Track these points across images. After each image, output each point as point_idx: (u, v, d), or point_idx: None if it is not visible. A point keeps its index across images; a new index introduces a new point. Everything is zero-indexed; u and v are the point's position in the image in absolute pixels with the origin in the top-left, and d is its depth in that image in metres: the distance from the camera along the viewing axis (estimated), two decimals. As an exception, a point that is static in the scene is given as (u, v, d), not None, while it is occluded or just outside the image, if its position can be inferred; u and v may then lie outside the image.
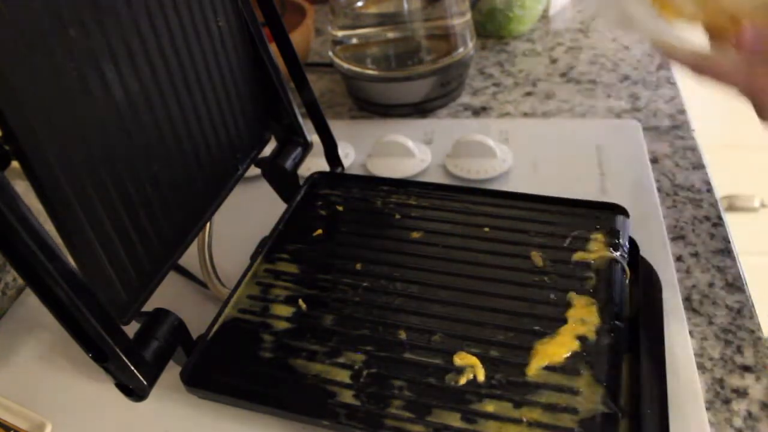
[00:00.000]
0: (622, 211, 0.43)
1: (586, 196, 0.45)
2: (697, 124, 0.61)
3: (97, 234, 0.32)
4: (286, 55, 0.46)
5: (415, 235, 0.43)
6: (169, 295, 0.38)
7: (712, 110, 1.01)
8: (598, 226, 0.42)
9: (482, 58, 0.75)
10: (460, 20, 0.64)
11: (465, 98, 0.68)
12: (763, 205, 1.02)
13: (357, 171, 0.58)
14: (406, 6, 0.63)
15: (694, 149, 0.57)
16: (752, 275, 0.47)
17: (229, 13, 0.41)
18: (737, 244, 0.48)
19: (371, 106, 0.67)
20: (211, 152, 0.41)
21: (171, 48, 0.36)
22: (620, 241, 0.41)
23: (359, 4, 0.66)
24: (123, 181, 0.33)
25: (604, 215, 0.43)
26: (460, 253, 0.41)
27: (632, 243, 0.42)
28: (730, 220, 0.50)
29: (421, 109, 0.66)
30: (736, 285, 0.44)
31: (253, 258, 0.43)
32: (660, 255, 0.46)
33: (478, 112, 0.66)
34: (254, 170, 0.48)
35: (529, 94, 0.68)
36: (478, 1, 0.76)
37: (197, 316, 0.40)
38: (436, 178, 0.56)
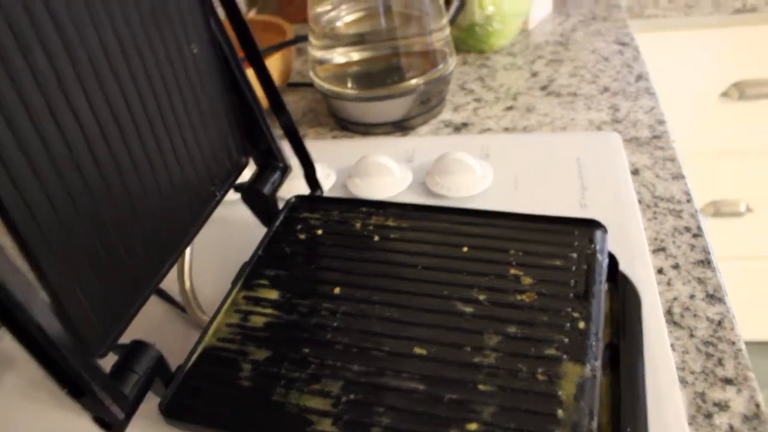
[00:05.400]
0: (600, 227, 0.43)
1: (567, 210, 0.45)
2: (679, 132, 0.61)
3: (70, 265, 0.31)
4: (262, 79, 0.46)
5: (394, 257, 0.43)
6: (148, 321, 0.38)
7: (692, 118, 1.02)
8: (576, 243, 0.42)
9: (463, 74, 0.76)
10: (439, 36, 0.65)
11: (446, 114, 0.68)
12: (748, 210, 1.03)
13: (339, 191, 0.58)
14: (383, 24, 0.63)
15: (673, 159, 0.57)
16: (738, 279, 0.47)
17: (202, 39, 0.41)
18: (723, 249, 0.48)
19: (352, 125, 0.67)
20: (188, 179, 0.40)
21: (143, 74, 0.36)
22: (598, 257, 0.41)
23: (338, 24, 0.66)
24: (96, 211, 0.33)
25: (582, 231, 0.43)
26: (438, 274, 0.41)
27: (611, 258, 0.42)
28: (716, 225, 0.51)
29: (402, 127, 0.66)
30: (717, 296, 0.44)
31: (234, 283, 0.43)
32: (641, 268, 0.46)
33: (459, 128, 0.66)
34: (236, 193, 0.48)
35: (509, 108, 0.68)
36: (457, 17, 0.76)
37: (177, 343, 0.40)
38: (418, 196, 0.56)
